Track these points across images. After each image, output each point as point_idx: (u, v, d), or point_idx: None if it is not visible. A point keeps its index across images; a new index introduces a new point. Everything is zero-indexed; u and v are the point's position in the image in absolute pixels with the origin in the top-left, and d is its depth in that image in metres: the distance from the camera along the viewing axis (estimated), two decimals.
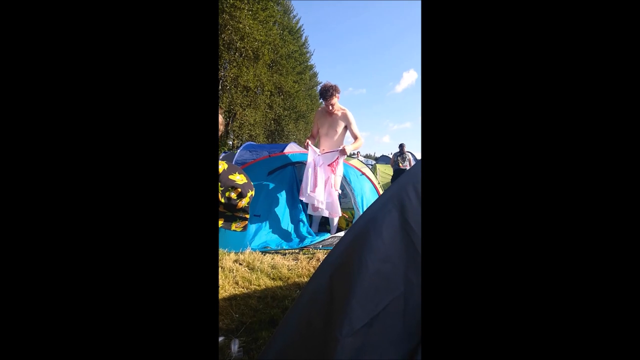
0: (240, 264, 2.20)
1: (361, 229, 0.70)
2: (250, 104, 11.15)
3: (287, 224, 2.87)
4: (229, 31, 9.12)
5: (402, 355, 0.59)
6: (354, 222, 1.50)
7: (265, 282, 1.93)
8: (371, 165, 9.95)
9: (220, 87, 10.24)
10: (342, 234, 2.92)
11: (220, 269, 2.08)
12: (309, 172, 2.67)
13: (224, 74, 10.14)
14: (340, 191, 2.85)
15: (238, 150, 3.22)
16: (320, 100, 2.90)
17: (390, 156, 7.68)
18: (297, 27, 15.57)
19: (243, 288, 1.84)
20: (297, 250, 2.57)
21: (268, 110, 12.71)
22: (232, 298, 1.70)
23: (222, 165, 1.38)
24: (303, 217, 2.99)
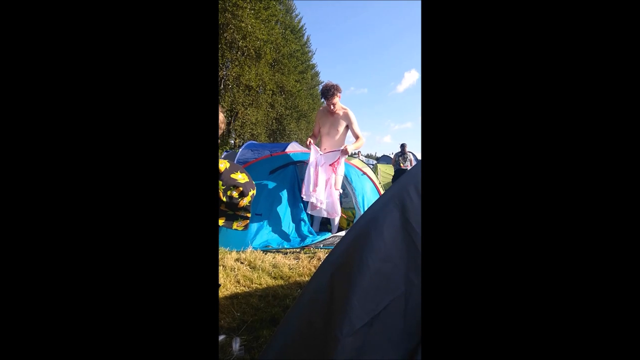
0: (241, 263, 2.21)
1: (362, 228, 0.70)
2: (252, 103, 11.16)
3: (288, 223, 2.88)
4: (231, 30, 9.12)
5: (402, 356, 0.59)
6: (355, 221, 1.50)
7: (267, 281, 1.93)
8: (372, 165, 9.94)
9: (222, 86, 10.25)
10: (343, 233, 2.93)
11: (221, 267, 2.09)
12: (310, 171, 2.67)
13: (226, 73, 10.15)
14: (341, 190, 2.85)
15: (240, 149, 3.22)
16: (322, 100, 2.90)
17: (392, 156, 7.67)
18: (299, 26, 15.57)
19: (244, 287, 1.85)
20: (298, 250, 2.57)
21: (270, 110, 12.71)
22: (234, 297, 1.70)
23: (224, 164, 1.38)
24: (304, 216, 2.99)
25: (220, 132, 1.33)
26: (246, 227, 1.51)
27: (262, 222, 2.73)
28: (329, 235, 2.86)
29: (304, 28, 16.00)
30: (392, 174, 7.45)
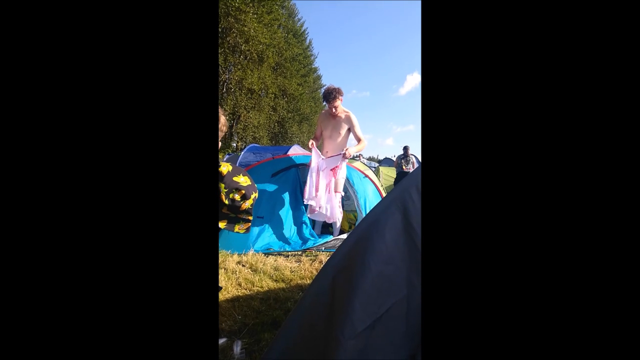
0: (243, 266, 2.21)
1: (364, 231, 0.70)
2: (255, 107, 11.21)
3: (290, 225, 2.88)
4: (234, 34, 9.19)
5: (404, 358, 0.59)
6: (356, 224, 1.50)
7: (268, 284, 1.93)
8: (374, 167, 9.93)
9: (224, 89, 10.31)
10: (344, 236, 2.92)
11: (223, 270, 2.09)
12: (312, 175, 2.67)
13: (228, 77, 10.21)
14: (343, 193, 2.85)
15: (242, 152, 3.23)
16: (324, 103, 2.91)
17: (394, 159, 7.67)
18: (302, 30, 15.66)
19: (246, 290, 1.84)
20: (299, 252, 2.57)
21: (272, 113, 12.76)
22: (235, 299, 1.70)
23: (227, 167, 1.38)
24: (306, 219, 2.99)
25: (222, 135, 1.34)
26: (248, 229, 1.51)
27: (263, 225, 2.74)
28: (330, 238, 2.85)
29: (306, 32, 16.10)
30: (394, 176, 7.45)
